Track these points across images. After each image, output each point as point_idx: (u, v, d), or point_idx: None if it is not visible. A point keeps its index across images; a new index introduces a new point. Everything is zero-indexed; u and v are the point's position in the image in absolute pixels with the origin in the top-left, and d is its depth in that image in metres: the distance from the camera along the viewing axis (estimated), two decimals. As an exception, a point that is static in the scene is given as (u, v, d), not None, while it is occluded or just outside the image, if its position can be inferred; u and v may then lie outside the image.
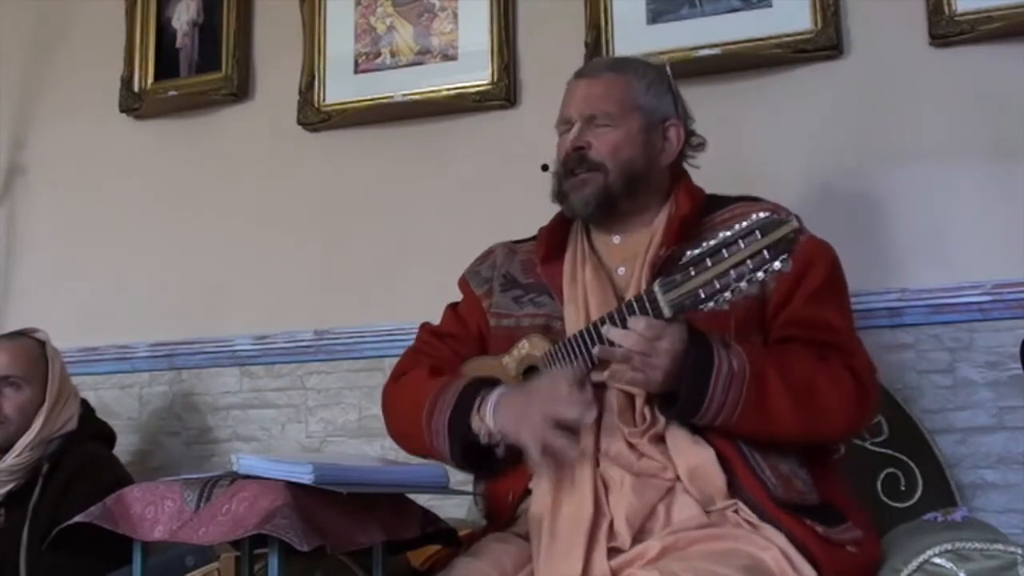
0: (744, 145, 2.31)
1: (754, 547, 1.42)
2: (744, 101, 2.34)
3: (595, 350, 1.51)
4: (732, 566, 1.36)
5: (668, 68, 1.81)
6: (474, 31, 2.55)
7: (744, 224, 1.38)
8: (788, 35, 2.28)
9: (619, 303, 1.60)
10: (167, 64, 2.81)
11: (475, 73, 2.52)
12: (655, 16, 2.39)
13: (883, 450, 2.00)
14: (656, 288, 1.45)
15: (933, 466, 1.99)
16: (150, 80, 2.82)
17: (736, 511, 1.50)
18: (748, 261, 1.36)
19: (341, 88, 2.63)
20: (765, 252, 1.35)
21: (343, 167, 2.66)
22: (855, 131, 2.25)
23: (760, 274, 1.36)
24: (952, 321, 2.12)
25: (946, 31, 2.18)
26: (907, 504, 1.96)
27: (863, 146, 2.24)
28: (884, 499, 1.98)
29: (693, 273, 1.41)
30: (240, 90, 2.74)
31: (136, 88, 2.83)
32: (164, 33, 2.83)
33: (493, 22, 2.53)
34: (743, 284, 1.37)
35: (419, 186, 2.58)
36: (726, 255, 1.38)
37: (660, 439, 1.55)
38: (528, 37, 2.54)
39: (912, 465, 1.99)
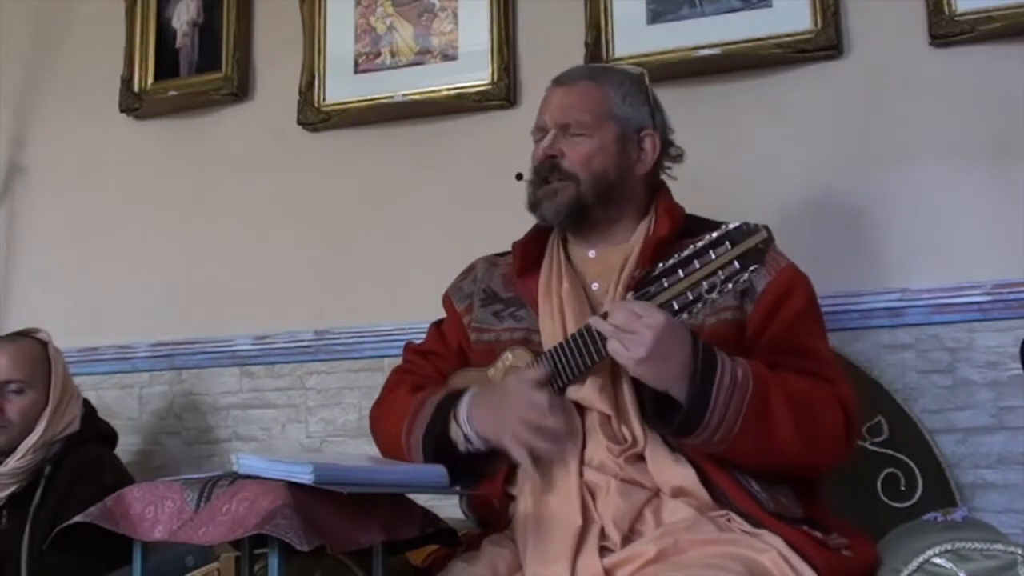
0: (744, 145, 2.32)
1: (752, 550, 1.41)
2: (744, 101, 2.34)
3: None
4: (731, 571, 1.35)
5: (646, 78, 1.79)
6: (474, 31, 2.55)
7: (715, 235, 1.38)
8: (788, 35, 2.27)
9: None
10: (167, 64, 2.81)
11: (475, 73, 2.52)
12: (655, 16, 2.39)
13: (883, 450, 2.00)
14: (630, 300, 1.45)
15: (933, 466, 1.99)
16: (150, 80, 2.82)
17: (728, 520, 1.49)
18: (719, 271, 1.36)
19: (341, 88, 2.64)
20: (735, 262, 1.35)
21: (343, 167, 2.66)
22: (855, 131, 2.25)
23: (730, 285, 1.36)
24: (952, 321, 2.12)
25: (946, 31, 2.18)
26: (907, 504, 1.96)
27: (863, 146, 2.24)
28: (884, 499, 1.98)
29: (666, 284, 1.41)
30: (240, 90, 2.74)
31: (136, 88, 2.83)
32: (164, 33, 2.83)
33: (493, 22, 2.53)
34: (714, 295, 1.37)
35: (419, 186, 2.58)
36: (698, 265, 1.38)
37: (640, 458, 1.54)
38: (528, 37, 2.54)
39: (912, 465, 1.99)
